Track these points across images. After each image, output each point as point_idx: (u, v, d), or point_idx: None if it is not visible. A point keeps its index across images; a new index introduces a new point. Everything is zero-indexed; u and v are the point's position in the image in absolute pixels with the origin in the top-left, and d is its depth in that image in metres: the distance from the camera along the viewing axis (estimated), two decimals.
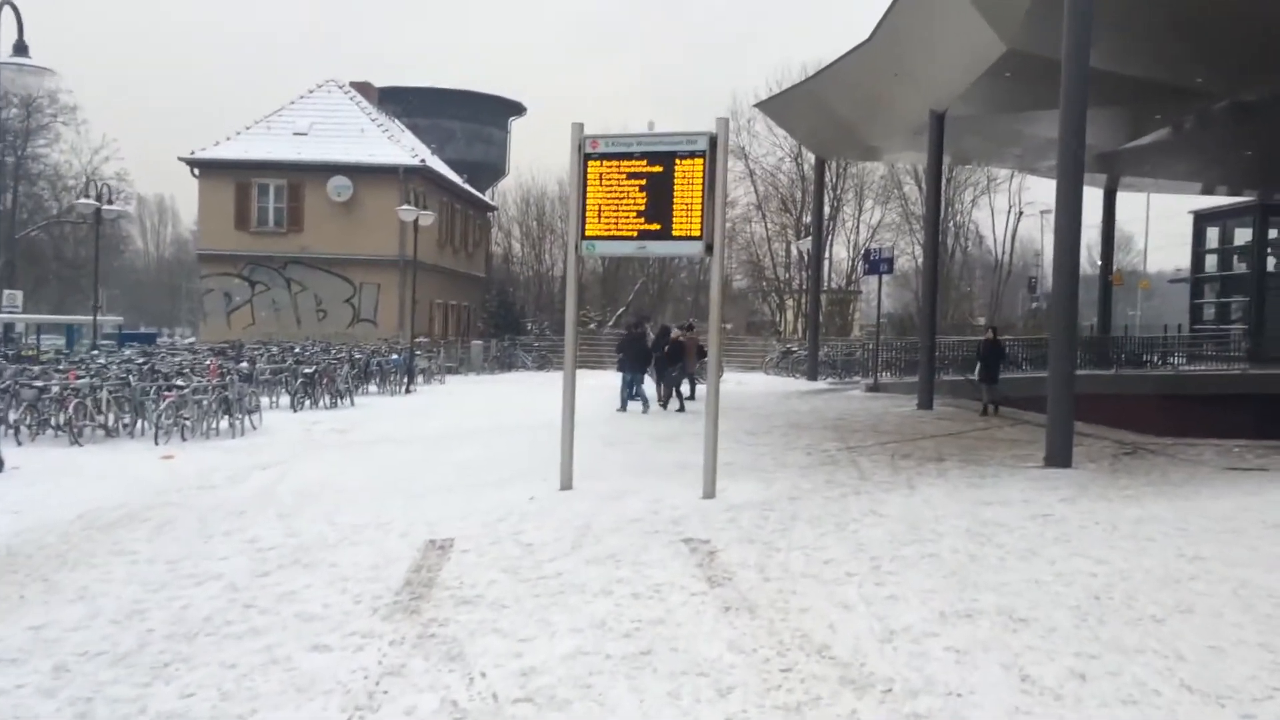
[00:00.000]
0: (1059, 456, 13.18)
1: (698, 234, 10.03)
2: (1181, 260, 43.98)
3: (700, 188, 10.01)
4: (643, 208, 10.21)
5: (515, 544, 7.70)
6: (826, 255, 52.35)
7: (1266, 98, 19.69)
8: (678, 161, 10.11)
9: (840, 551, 7.61)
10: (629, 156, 10.30)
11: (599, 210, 10.42)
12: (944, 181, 54.02)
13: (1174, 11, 16.20)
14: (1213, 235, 31.58)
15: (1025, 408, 22.32)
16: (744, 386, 28.59)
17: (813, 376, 30.59)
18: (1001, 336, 22.56)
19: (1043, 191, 52.73)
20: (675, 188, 10.10)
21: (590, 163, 10.45)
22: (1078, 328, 14.89)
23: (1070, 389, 13.42)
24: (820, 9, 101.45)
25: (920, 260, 38.67)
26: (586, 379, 25.81)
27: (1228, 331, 30.05)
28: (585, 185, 10.47)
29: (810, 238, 32.86)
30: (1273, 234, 29.46)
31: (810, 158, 38.63)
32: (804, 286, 49.40)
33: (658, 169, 10.17)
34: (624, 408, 20.91)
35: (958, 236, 54.76)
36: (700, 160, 10.03)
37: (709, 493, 10.06)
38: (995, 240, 58.11)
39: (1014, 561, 7.35)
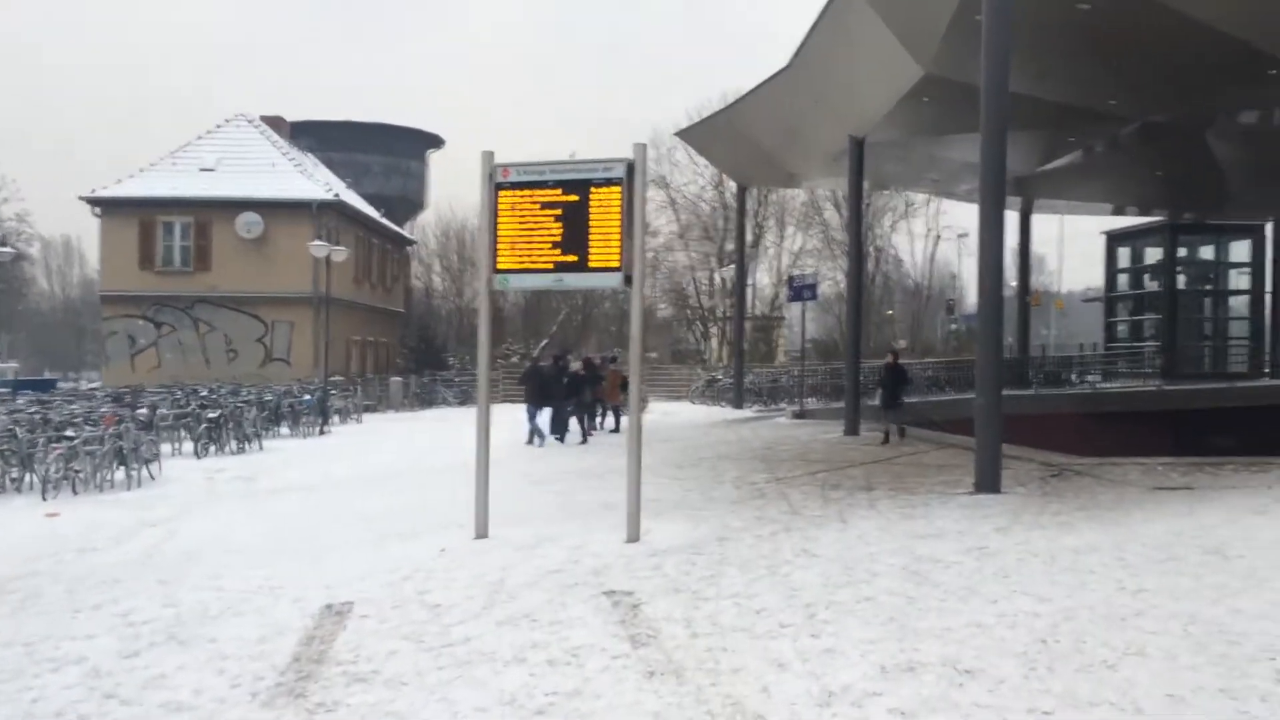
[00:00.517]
0: (988, 482, 12.94)
1: (616, 265, 9.56)
2: (1093, 279, 44.95)
3: (618, 217, 9.55)
4: (558, 239, 9.72)
5: (421, 606, 7.07)
6: (750, 282, 52.46)
7: (1176, 120, 20.01)
8: (594, 190, 9.64)
9: (773, 599, 7.13)
10: (542, 185, 9.81)
11: (512, 242, 9.89)
12: (864, 207, 54.77)
13: (1088, 37, 16.31)
14: (1124, 255, 32.12)
15: (951, 430, 22.29)
16: (670, 417, 28.17)
17: (738, 405, 30.31)
18: (903, 360, 22.19)
19: (959, 215, 53.56)
20: (592, 217, 9.62)
21: (502, 192, 9.93)
22: (1003, 351, 14.79)
23: (998, 415, 13.20)
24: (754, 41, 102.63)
25: (843, 285, 38.84)
26: (509, 414, 25.27)
27: (1141, 349, 30.54)
28: (497, 216, 9.94)
29: (733, 265, 32.70)
30: (1182, 253, 30.05)
31: (732, 185, 38.67)
32: (728, 314, 49.43)
33: (573, 198, 9.68)
34: (531, 441, 20.64)
35: (878, 261, 55.31)
36: (617, 188, 9.58)
37: (633, 536, 9.53)
38: (914, 264, 58.91)
39: (954, 603, 6.95)
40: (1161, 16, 14.75)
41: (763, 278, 53.92)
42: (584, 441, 20.99)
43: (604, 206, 9.55)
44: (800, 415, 25.54)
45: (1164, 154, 23.29)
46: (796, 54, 21.45)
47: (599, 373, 23.78)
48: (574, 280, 9.92)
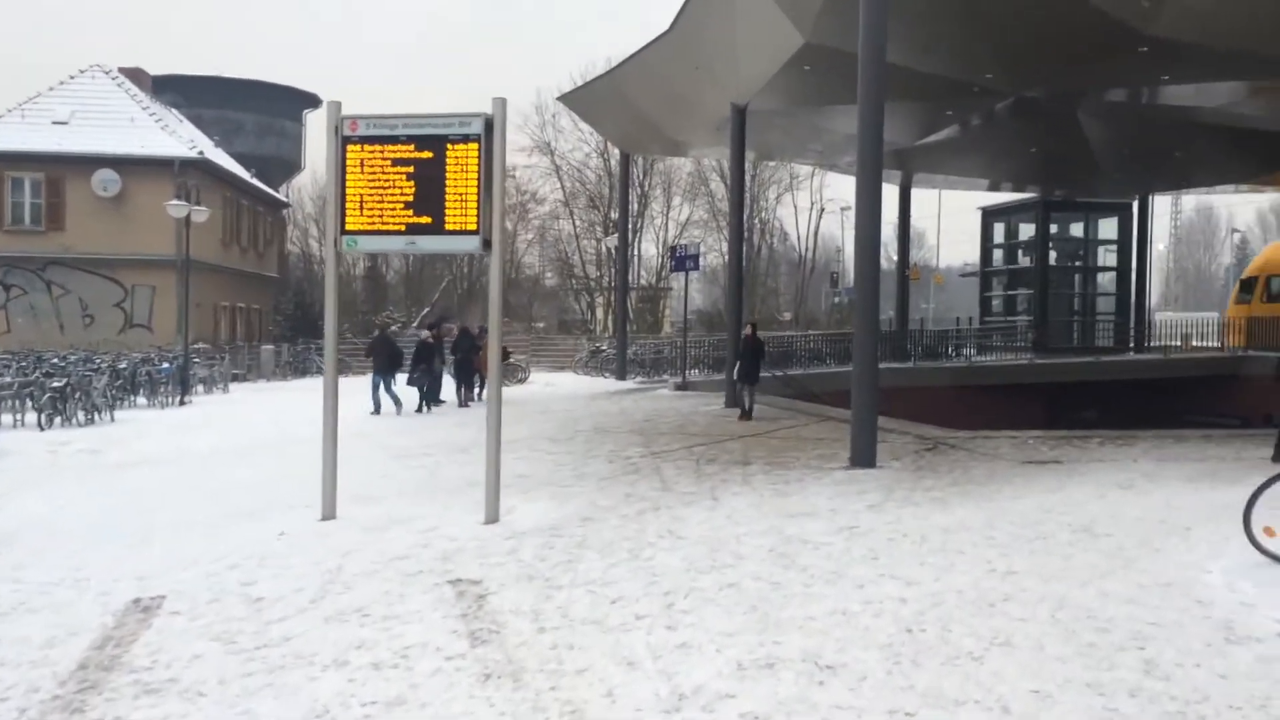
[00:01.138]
0: (864, 456, 12.78)
1: (474, 228, 8.92)
2: (970, 255, 45.91)
3: (475, 176, 8.91)
4: (411, 199, 9.02)
5: (241, 600, 6.38)
6: (635, 252, 52.05)
7: (1049, 96, 20.21)
8: (450, 146, 8.97)
9: (632, 586, 6.68)
10: (393, 140, 9.09)
11: (361, 201, 9.15)
12: (748, 178, 54.70)
13: (965, 7, 16.21)
14: (999, 230, 32.71)
15: (831, 402, 22.29)
16: (551, 388, 27.60)
17: (621, 376, 29.91)
18: (763, 333, 21.80)
19: (843, 189, 54.13)
20: (448, 176, 8.96)
21: (350, 147, 9.17)
22: (879, 326, 14.62)
23: (874, 390, 13.05)
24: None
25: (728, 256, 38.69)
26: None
27: (1014, 323, 31.18)
28: (345, 173, 9.18)
29: (617, 234, 32.19)
30: (1053, 229, 30.71)
31: (618, 153, 38.05)
32: (615, 284, 48.96)
33: (427, 155, 8.99)
34: (377, 412, 20.25)
35: (763, 233, 55.51)
36: (475, 145, 8.93)
37: (492, 517, 8.98)
38: (799, 237, 59.31)
39: (821, 587, 6.61)
40: None
41: (649, 248, 53.59)
42: (423, 410, 20.76)
43: (461, 164, 8.90)
44: (683, 387, 25.25)
45: (1037, 130, 23.60)
46: (677, 18, 20.95)
47: (476, 342, 23.10)
48: (429, 244, 9.24)
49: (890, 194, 27.55)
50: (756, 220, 53.51)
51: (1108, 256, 31.70)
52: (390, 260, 53.59)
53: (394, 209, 9.04)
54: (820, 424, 18.06)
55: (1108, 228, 31.40)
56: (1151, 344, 31.18)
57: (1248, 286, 32.16)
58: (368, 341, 24.04)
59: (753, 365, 18.78)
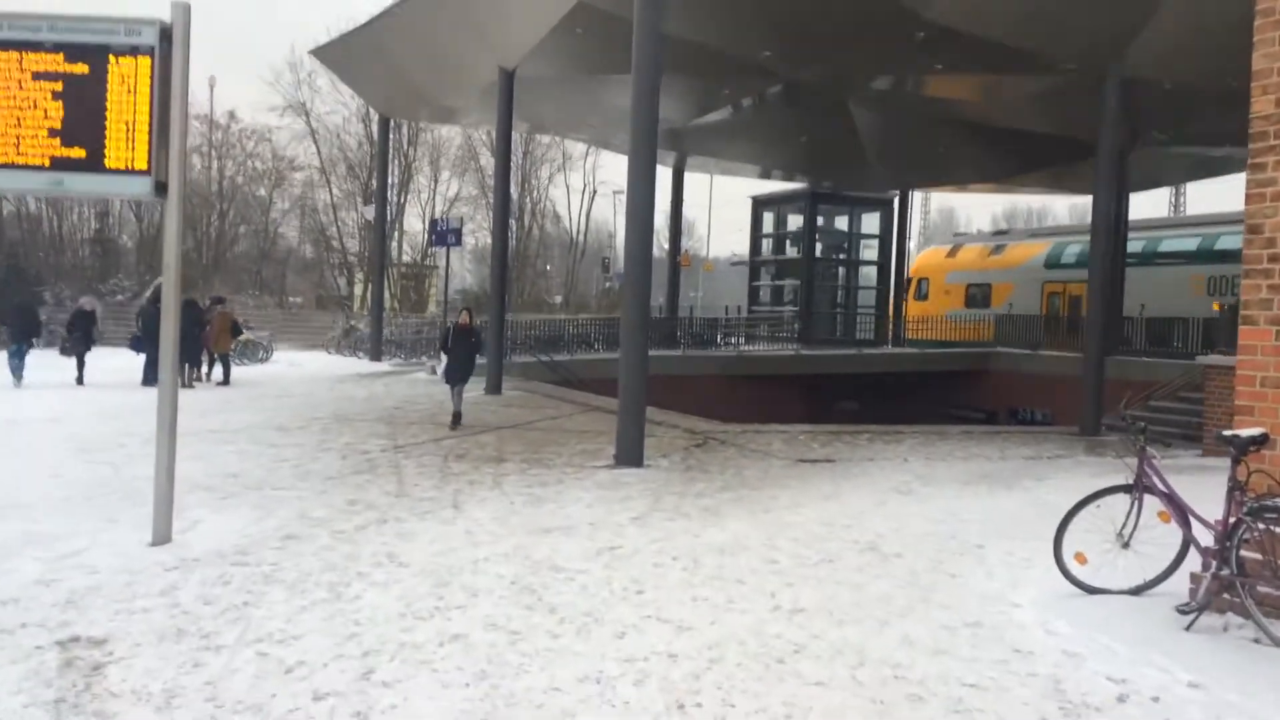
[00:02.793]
0: (630, 454, 11.57)
1: (143, 166, 6.92)
2: (738, 246, 46.23)
3: (147, 100, 6.90)
4: (59, 125, 6.90)
5: None
6: (400, 227, 49.35)
7: (826, 79, 19.74)
8: (113, 60, 6.92)
9: (321, 643, 5.02)
10: (36, 47, 6.92)
11: None
12: (521, 155, 53.01)
13: None
14: (769, 220, 32.66)
15: (597, 390, 21.13)
16: (296, 368, 25.03)
17: (376, 357, 27.64)
18: (531, 315, 20.43)
19: (616, 171, 53.40)
20: (109, 98, 6.90)
21: None
22: (650, 312, 13.40)
23: (643, 382, 11.83)
24: None
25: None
26: (113, 358, 21.27)
27: (781, 313, 31.18)
28: None
29: (374, 205, 29.75)
30: (820, 221, 30.87)
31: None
32: (371, 258, 46.03)
33: (81, 68, 6.90)
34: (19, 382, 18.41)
35: (534, 214, 54.00)
36: (147, 60, 6.91)
37: (162, 537, 7.04)
38: (571, 219, 58.23)
39: (571, 639, 5.20)
40: None
41: (414, 223, 50.96)
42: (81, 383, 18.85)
43: (127, 85, 6.86)
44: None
45: (808, 119, 23.31)
46: None
47: (203, 317, 20.48)
48: (81, 184, 7.10)
49: (664, 178, 26.70)
50: (528, 200, 51.98)
51: (869, 250, 32.23)
52: (123, 219, 48.43)
53: (35, 137, 6.89)
54: (586, 414, 16.81)
55: (870, 222, 31.89)
56: (908, 338, 31.98)
57: (908, 286, 36.06)
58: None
59: (465, 361, 14.85)
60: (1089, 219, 17.11)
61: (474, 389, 20.13)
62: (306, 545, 7.07)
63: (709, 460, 12.06)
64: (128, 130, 6.88)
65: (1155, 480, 5.87)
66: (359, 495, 9.12)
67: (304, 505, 8.56)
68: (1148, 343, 23.76)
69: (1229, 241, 25.28)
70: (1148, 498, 5.91)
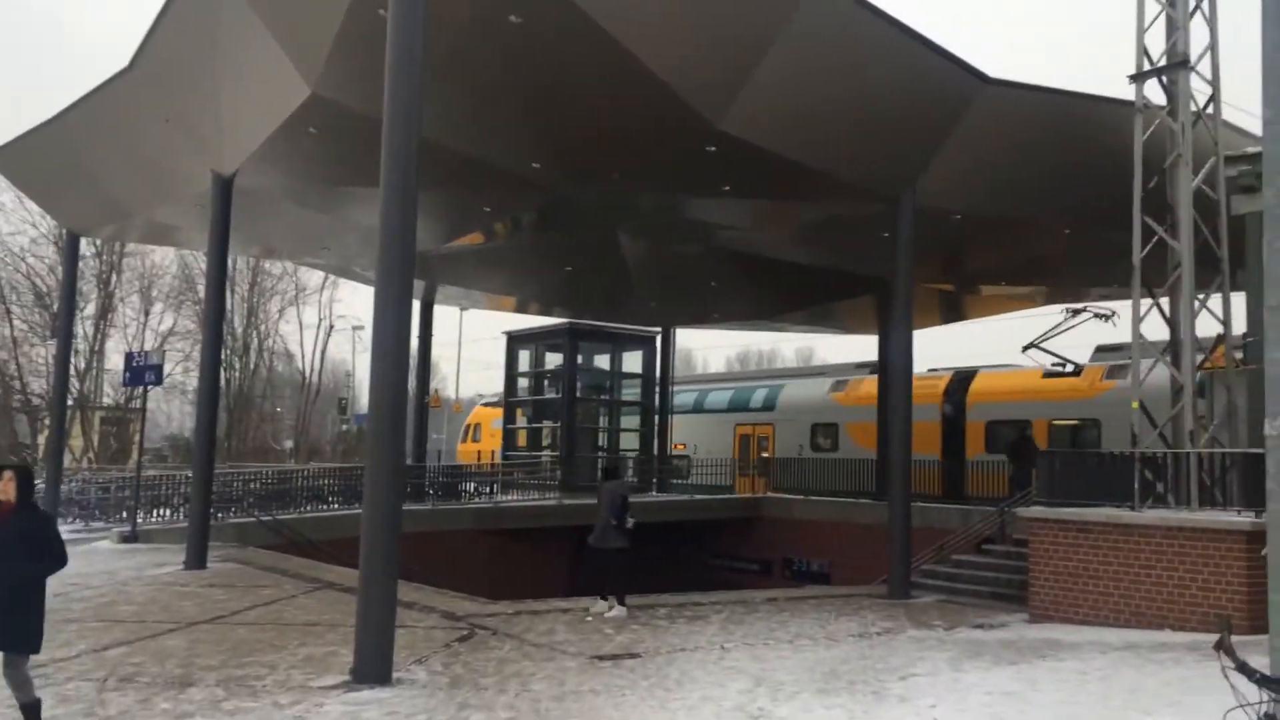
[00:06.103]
0: (373, 666, 8.45)
1: None
2: (485, 385, 43.76)
3: None
4: None
5: None
6: (99, 365, 43.38)
7: (597, 201, 17.82)
8: None
9: None
10: None
11: None
12: (248, 287, 48.48)
13: (518, 75, 13.18)
14: (524, 358, 30.46)
15: (330, 557, 17.56)
16: None
17: None
18: (254, 466, 16.92)
19: (355, 304, 49.78)
20: None
21: None
22: (404, 458, 10.34)
23: (394, 554, 8.78)
24: None
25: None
26: None
27: (539, 458, 28.71)
28: None
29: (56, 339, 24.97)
30: (580, 359, 28.93)
31: (84, 242, 30.53)
32: (77, 400, 39.77)
33: None
34: None
35: (261, 350, 49.22)
36: None
37: None
38: (304, 356, 53.67)
39: None
40: (602, 52, 11.99)
41: (119, 361, 44.84)
42: None
43: None
44: (131, 538, 18.90)
45: (576, 244, 21.43)
46: (140, 50, 15.94)
47: None
48: None
49: (414, 310, 23.95)
50: (254, 335, 47.29)
51: (631, 390, 30.52)
52: None
53: None
54: (314, 594, 13.37)
55: (633, 360, 30.27)
56: (675, 482, 30.17)
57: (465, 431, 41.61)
58: None
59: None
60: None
61: (170, 561, 16.05)
62: None
63: (482, 666, 9.10)
64: None
65: None
66: None
67: None
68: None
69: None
70: None
